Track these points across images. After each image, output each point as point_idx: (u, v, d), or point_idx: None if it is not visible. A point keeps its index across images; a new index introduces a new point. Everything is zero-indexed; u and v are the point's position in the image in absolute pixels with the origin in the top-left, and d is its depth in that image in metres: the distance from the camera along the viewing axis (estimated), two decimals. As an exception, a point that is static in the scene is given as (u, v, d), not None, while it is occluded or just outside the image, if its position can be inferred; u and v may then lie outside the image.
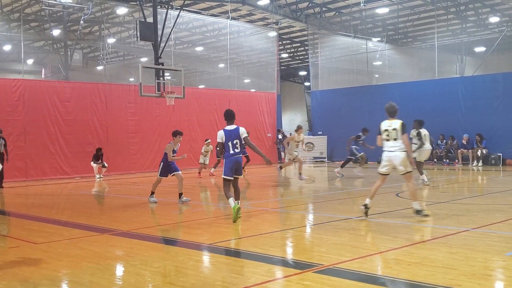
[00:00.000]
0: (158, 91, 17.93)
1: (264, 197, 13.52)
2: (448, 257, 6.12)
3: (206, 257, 6.70)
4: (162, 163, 11.90)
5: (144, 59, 25.88)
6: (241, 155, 9.22)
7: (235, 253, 6.52)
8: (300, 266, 6.02)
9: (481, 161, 21.86)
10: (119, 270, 6.18)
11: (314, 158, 28.60)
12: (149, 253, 6.77)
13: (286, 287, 5.17)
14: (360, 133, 17.82)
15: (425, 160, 14.97)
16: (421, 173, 14.44)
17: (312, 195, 13.94)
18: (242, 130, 9.16)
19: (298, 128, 16.65)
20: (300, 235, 8.06)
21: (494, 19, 27.38)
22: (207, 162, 20.13)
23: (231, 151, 9.04)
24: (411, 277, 5.30)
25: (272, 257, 6.34)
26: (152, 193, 11.94)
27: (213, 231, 8.31)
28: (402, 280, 5.25)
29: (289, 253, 6.99)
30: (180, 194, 11.63)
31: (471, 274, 5.32)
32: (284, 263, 6.23)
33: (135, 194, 14.83)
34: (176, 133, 11.87)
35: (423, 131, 14.70)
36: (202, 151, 20.12)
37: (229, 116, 9.33)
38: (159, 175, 11.91)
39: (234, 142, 9.03)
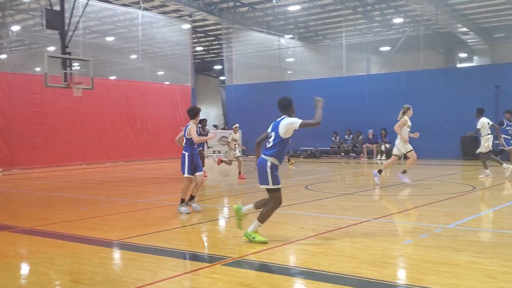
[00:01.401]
0: (65, 81, 17.22)
1: (177, 191, 13.37)
2: (351, 246, 6.41)
3: (112, 254, 6.55)
4: (187, 156, 9.17)
5: (51, 48, 24.69)
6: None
7: (143, 249, 6.43)
8: (209, 259, 6.06)
9: (385, 155, 23.00)
10: (20, 268, 5.90)
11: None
12: (52, 251, 6.52)
13: (194, 281, 5.18)
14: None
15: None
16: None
17: (227, 189, 14.03)
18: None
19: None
20: (211, 229, 8.09)
21: (398, 20, 28.79)
22: (238, 154, 16.19)
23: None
24: (315, 266, 5.49)
25: (181, 252, 6.32)
26: (182, 200, 9.19)
27: (121, 227, 8.15)
28: (306, 269, 5.43)
29: (199, 247, 7.01)
30: (193, 197, 9.27)
31: (371, 262, 5.60)
32: (193, 257, 6.23)
33: (39, 189, 14.17)
34: (195, 112, 9.52)
35: None
36: (229, 139, 16.35)
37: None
38: (187, 174, 9.13)
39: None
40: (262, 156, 6.79)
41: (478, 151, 14.84)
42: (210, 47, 39.13)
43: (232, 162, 16.49)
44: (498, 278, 4.92)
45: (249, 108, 28.42)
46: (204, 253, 6.57)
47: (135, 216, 9.12)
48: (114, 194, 12.85)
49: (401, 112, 13.34)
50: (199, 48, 37.93)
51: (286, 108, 7.18)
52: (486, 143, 14.47)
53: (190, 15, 29.10)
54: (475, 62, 31.88)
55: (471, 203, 9.75)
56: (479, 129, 14.57)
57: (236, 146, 16.22)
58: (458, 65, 31.48)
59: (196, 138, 9.03)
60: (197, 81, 40.64)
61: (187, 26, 28.93)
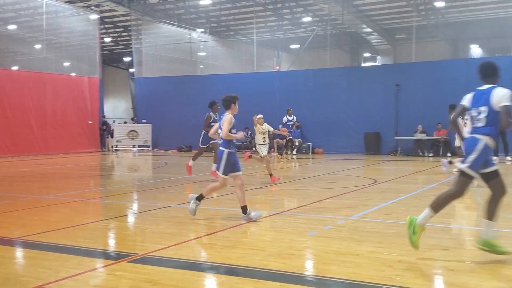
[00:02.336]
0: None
1: (83, 187, 12.95)
2: (259, 239, 6.54)
3: (12, 253, 6.22)
4: (225, 154, 7.62)
5: None
6: None
7: (45, 247, 6.16)
8: (114, 256, 5.93)
9: (295, 150, 23.60)
10: None
11: (139, 146, 28.16)
12: None
13: (98, 279, 5.05)
14: None
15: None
16: None
17: (134, 184, 13.75)
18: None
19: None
20: (117, 225, 7.90)
21: (306, 19, 29.58)
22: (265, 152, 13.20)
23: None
24: (223, 260, 5.54)
25: (85, 249, 6.13)
26: (244, 208, 7.63)
27: (22, 224, 7.75)
28: (214, 263, 5.47)
29: (104, 244, 6.83)
30: (245, 208, 7.64)
31: (277, 254, 5.75)
32: (97, 254, 6.06)
33: None
34: (229, 101, 8.94)
35: None
36: (257, 132, 13.41)
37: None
38: (222, 174, 7.72)
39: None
40: (475, 135, 5.40)
41: (456, 145, 14.95)
42: (119, 39, 38.07)
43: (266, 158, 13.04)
44: (394, 266, 5.22)
45: (159, 101, 28.00)
46: (109, 250, 6.42)
47: (37, 213, 8.71)
48: (15, 190, 12.19)
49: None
50: (107, 39, 36.79)
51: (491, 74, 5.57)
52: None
53: (98, 5, 28.12)
54: (378, 61, 33.49)
55: (372, 195, 10.25)
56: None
57: (265, 140, 13.24)
58: (363, 64, 32.90)
59: (224, 133, 7.56)
60: (105, 73, 39.35)
61: (94, 16, 27.95)
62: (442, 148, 21.22)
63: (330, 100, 23.93)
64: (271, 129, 13.79)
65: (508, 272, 5.03)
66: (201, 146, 13.81)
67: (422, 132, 21.67)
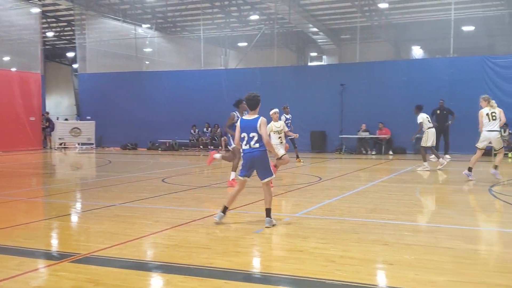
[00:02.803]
0: None
1: (24, 186, 12.53)
2: (205, 237, 6.54)
3: None
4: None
5: None
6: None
7: (-18, 248, 5.95)
8: (56, 256, 5.80)
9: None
10: None
11: (82, 144, 27.48)
12: None
13: (39, 279, 4.92)
14: None
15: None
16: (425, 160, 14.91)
17: (77, 183, 13.43)
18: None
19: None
20: (59, 225, 7.71)
21: (254, 17, 29.70)
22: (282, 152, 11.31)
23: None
24: (168, 259, 5.52)
25: (25, 250, 5.95)
26: (268, 212, 7.16)
27: (-43, 225, 7.43)
28: (159, 262, 5.44)
29: (45, 244, 6.65)
30: (269, 210, 7.18)
31: (223, 252, 5.78)
32: (38, 254, 5.89)
33: None
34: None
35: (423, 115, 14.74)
36: (272, 130, 11.36)
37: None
38: (241, 175, 7.45)
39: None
40: None
41: (421, 144, 14.94)
42: (62, 33, 36.97)
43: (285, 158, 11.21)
44: (336, 262, 5.35)
45: (104, 98, 27.45)
46: (51, 250, 6.26)
47: (-27, 214, 8.37)
48: None
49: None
50: (49, 34, 35.67)
51: None
52: (426, 137, 14.74)
53: (39, -2, 27.25)
54: (324, 61, 34.03)
55: (316, 193, 10.44)
56: (421, 122, 14.66)
57: (282, 140, 11.46)
58: (309, 63, 33.36)
59: (266, 138, 7.09)
60: (47, 68, 38.20)
61: (36, 10, 27.05)
62: (385, 146, 21.82)
63: (278, 99, 24.05)
64: (286, 128, 11.98)
65: (446, 266, 5.25)
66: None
67: (365, 130, 22.22)
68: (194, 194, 10.46)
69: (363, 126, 22.20)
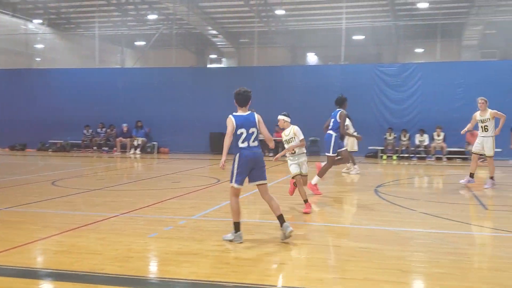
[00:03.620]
0: None
1: None
2: (96, 242, 6.34)
3: None
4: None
5: None
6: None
7: None
8: None
9: (139, 149, 23.19)
10: None
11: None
12: None
13: None
14: None
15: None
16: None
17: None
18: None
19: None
20: None
21: (152, 17, 29.23)
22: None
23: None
24: (56, 265, 5.29)
25: None
26: (281, 218, 6.46)
27: None
28: (47, 269, 5.20)
29: None
30: (282, 220, 6.42)
31: (115, 257, 5.63)
32: None
33: None
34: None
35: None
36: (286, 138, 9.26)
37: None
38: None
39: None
40: None
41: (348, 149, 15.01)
42: None
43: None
44: (231, 263, 5.43)
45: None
46: None
47: None
48: None
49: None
50: None
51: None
52: (352, 141, 14.99)
53: None
54: (224, 63, 34.28)
55: (215, 194, 10.50)
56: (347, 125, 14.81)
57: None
58: (208, 65, 33.43)
59: (267, 134, 6.85)
60: None
61: None
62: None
63: (176, 99, 23.94)
64: (300, 136, 9.03)
65: (334, 264, 5.51)
66: (332, 154, 10.62)
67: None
68: (86, 198, 10.10)
69: (260, 128, 22.61)
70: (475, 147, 11.96)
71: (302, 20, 29.54)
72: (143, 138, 23.64)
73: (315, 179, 10.57)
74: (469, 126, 12.20)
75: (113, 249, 5.99)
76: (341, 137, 10.96)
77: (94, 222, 7.47)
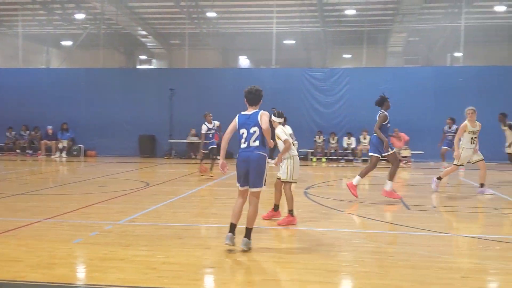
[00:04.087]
0: None
1: None
2: (16, 249, 6.06)
3: None
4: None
5: None
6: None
7: None
8: None
9: (64, 152, 22.41)
10: None
11: None
12: None
13: None
14: None
15: None
16: None
17: None
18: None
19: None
20: None
21: (79, 16, 28.33)
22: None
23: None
24: (-29, 276, 5.01)
25: None
26: (248, 232, 6.25)
27: None
28: (-39, 281, 4.92)
29: None
30: (249, 230, 6.26)
31: (36, 264, 5.41)
32: None
33: None
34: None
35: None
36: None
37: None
38: (241, 185, 6.39)
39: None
40: None
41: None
42: None
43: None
44: (158, 268, 5.34)
45: None
46: None
47: None
48: None
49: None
50: None
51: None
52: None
53: None
54: (154, 64, 33.78)
55: (143, 199, 10.31)
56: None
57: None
58: (138, 66, 32.84)
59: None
60: None
61: None
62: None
63: (104, 101, 23.37)
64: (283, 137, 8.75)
65: (264, 266, 5.55)
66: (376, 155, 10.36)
67: (194, 135, 22.53)
68: (7, 203, 9.63)
69: (193, 131, 22.49)
70: (463, 160, 11.13)
71: (233, 23, 29.63)
72: (69, 141, 22.86)
73: (388, 185, 10.20)
74: (456, 140, 11.16)
75: (35, 255, 5.75)
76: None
77: (15, 228, 7.14)
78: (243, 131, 6.24)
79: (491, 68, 22.29)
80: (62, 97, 23.24)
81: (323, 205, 9.70)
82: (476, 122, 11.10)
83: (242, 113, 6.43)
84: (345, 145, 21.31)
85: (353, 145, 21.32)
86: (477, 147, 11.21)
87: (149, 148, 23.07)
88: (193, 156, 22.35)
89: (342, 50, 31.85)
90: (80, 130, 23.17)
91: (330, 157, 21.34)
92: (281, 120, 8.05)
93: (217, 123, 15.00)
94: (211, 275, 5.29)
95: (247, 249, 6.00)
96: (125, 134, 23.07)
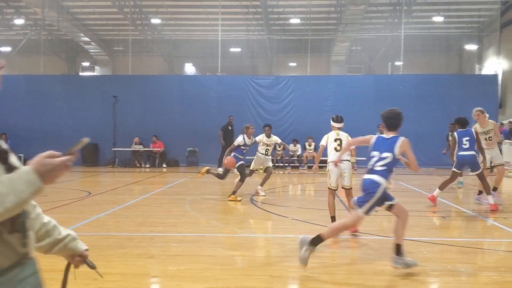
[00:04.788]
0: None
1: None
2: None
3: None
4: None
5: None
6: None
7: None
8: None
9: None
10: None
11: None
12: None
13: None
14: None
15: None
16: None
17: None
18: None
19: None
20: None
21: (19, 21, 27.45)
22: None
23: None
24: None
25: None
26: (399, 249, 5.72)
27: None
28: None
29: None
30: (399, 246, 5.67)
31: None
32: None
33: None
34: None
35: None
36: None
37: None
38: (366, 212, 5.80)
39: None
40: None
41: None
42: None
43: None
44: (99, 279, 5.15)
45: None
46: None
47: None
48: None
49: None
50: None
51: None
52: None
53: None
54: (97, 71, 33.10)
55: (84, 208, 10.05)
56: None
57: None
58: (81, 73, 32.07)
59: (413, 161, 5.72)
60: None
61: None
62: (158, 159, 22.09)
63: (45, 109, 22.67)
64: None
65: (207, 273, 5.51)
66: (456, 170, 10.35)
67: (139, 144, 22.19)
68: None
69: (136, 139, 22.14)
70: (486, 164, 10.43)
71: (178, 30, 29.51)
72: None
73: (436, 192, 10.60)
74: (479, 146, 10.16)
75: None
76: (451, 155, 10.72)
77: None
78: (375, 153, 5.78)
79: (428, 76, 23.17)
80: (1, 106, 22.38)
81: (269, 211, 9.75)
82: (489, 120, 10.58)
83: (381, 135, 5.94)
84: (291, 152, 21.54)
85: (299, 152, 21.57)
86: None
87: (92, 156, 22.51)
88: (137, 165, 22.00)
89: (287, 58, 32.28)
90: (20, 139, 22.35)
91: (276, 164, 21.50)
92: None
93: (275, 138, 12.75)
94: (154, 285, 5.19)
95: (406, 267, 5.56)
96: (67, 143, 22.11)
